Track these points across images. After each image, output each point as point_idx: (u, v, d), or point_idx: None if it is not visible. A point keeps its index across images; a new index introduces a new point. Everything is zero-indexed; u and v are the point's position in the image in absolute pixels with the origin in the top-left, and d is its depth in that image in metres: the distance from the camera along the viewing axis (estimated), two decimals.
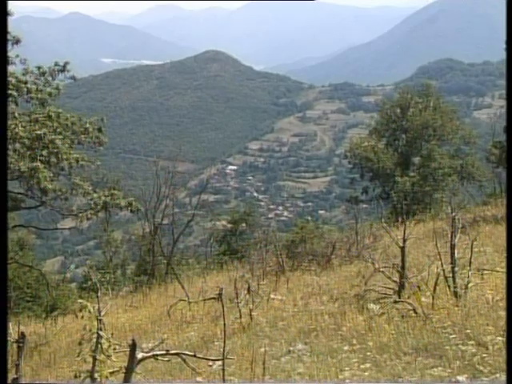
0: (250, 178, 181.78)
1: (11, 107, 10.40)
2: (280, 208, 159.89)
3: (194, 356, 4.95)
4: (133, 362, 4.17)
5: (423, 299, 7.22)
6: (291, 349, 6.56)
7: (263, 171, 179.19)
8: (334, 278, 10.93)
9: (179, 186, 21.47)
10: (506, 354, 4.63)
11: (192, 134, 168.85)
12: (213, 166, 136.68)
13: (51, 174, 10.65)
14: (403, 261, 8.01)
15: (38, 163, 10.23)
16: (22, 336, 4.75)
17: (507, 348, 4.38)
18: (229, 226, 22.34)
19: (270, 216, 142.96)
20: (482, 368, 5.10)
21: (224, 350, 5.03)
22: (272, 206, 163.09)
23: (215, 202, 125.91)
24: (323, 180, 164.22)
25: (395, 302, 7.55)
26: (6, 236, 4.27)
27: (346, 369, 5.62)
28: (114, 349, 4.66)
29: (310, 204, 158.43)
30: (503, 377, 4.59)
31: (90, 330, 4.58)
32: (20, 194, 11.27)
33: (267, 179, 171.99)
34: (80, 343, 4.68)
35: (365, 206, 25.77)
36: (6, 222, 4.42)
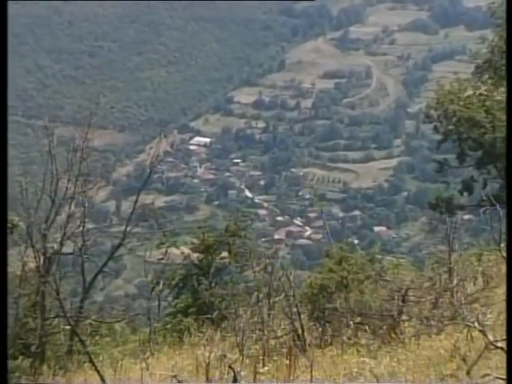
0: (238, 160, 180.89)
1: None
2: (297, 221, 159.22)
3: None
4: None
5: None
6: None
7: (264, 148, 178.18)
8: (405, 360, 11.13)
9: (96, 177, 21.39)
10: (506, 353, 7.35)
11: (122, 75, 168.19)
12: (163, 136, 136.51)
13: None
14: None
15: None
16: None
17: (507, 348, 7.46)
18: (195, 256, 22.36)
19: (276, 237, 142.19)
20: None
21: None
22: (281, 218, 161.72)
23: (168, 210, 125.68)
24: (383, 165, 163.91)
25: None
26: (5, 237, 7.97)
27: None
28: None
29: (356, 213, 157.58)
30: None
31: None
32: None
33: (271, 163, 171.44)
34: None
35: (468, 216, 25.69)
36: (6, 223, 8.39)
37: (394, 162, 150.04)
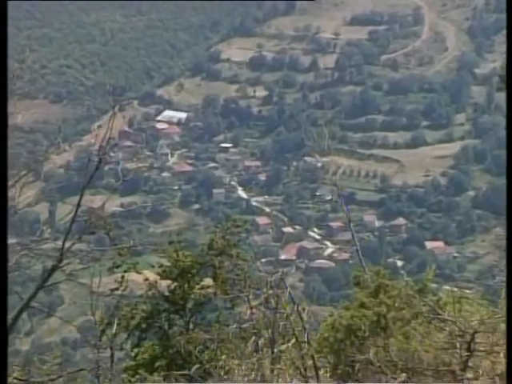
0: (227, 145, 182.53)
1: None
2: (313, 234, 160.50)
3: None
4: None
5: None
6: None
7: (265, 126, 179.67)
8: None
9: (20, 169, 21.56)
10: (506, 352, 12.54)
11: (58, 19, 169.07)
12: (118, 110, 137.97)
13: None
14: None
15: None
16: None
17: (507, 347, 13.16)
18: (165, 285, 22.57)
19: (283, 257, 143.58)
20: None
21: None
22: (289, 229, 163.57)
23: (126, 217, 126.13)
24: (440, 152, 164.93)
25: None
26: (5, 237, 14.09)
27: None
28: None
29: (400, 222, 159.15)
30: None
31: None
32: None
33: (275, 150, 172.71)
34: None
35: None
36: (6, 221, 14.42)
37: (455, 147, 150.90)
